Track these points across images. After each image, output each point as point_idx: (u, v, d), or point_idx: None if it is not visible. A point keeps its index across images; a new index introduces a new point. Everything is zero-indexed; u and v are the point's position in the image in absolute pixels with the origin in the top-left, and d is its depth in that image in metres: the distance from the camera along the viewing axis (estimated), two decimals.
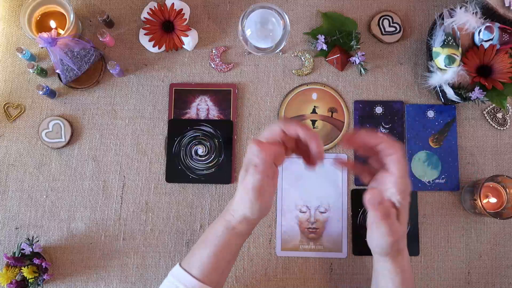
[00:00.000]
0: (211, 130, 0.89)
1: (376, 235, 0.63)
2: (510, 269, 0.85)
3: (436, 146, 0.89)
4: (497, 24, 0.82)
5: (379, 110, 0.90)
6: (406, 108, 0.90)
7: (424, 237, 0.86)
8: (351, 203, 0.87)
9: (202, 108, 0.90)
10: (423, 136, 0.89)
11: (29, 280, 0.79)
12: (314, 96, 0.91)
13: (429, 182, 0.87)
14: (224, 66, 0.92)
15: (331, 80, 0.91)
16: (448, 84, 0.82)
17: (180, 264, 0.67)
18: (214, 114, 0.90)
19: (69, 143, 0.89)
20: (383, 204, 0.61)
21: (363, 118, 0.90)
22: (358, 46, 0.90)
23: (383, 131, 0.89)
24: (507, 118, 0.89)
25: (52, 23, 0.89)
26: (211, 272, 0.64)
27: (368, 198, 0.61)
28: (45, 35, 0.82)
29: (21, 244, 0.81)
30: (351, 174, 0.88)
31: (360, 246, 0.86)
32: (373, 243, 0.65)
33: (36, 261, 0.79)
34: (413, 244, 0.85)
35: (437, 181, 0.87)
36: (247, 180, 0.60)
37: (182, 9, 0.90)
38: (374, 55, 0.92)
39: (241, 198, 0.62)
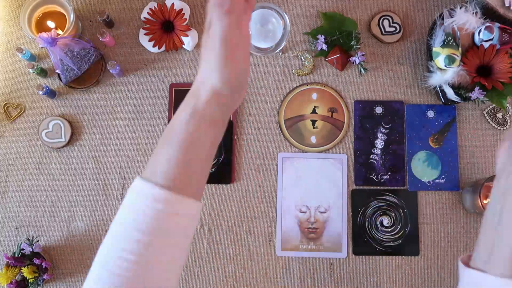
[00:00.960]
0: None
1: None
2: None
3: (436, 146, 0.89)
4: (497, 24, 0.82)
5: (379, 110, 0.90)
6: (406, 108, 0.90)
7: (424, 237, 0.86)
8: (351, 203, 0.87)
9: None
10: (423, 136, 0.89)
11: (29, 280, 0.78)
12: (314, 96, 0.91)
13: (429, 182, 0.87)
14: None
15: (331, 80, 0.91)
16: (448, 84, 0.82)
17: (140, 176, 0.51)
18: None
19: (69, 143, 0.89)
20: None
21: (363, 118, 0.90)
22: (358, 46, 0.90)
23: (383, 131, 0.89)
24: (507, 118, 0.89)
25: (51, 23, 0.89)
26: (182, 177, 0.49)
27: None
28: (45, 35, 0.82)
29: (21, 244, 0.81)
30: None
31: (360, 246, 0.86)
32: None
33: (36, 261, 0.79)
34: (413, 244, 0.85)
35: (437, 181, 0.87)
36: (212, 30, 0.48)
37: (182, 9, 0.90)
38: (374, 55, 0.92)
39: (206, 62, 0.50)
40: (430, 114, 0.90)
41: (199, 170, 0.51)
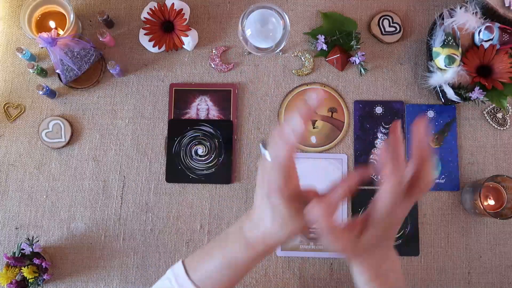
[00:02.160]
0: (211, 130, 0.89)
1: None
2: (510, 269, 0.85)
3: (436, 146, 0.89)
4: (497, 24, 0.82)
5: (379, 110, 0.90)
6: (406, 108, 0.90)
7: (424, 237, 0.86)
8: (351, 203, 0.87)
9: (202, 108, 0.90)
10: None
11: (29, 280, 0.79)
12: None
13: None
14: (224, 66, 0.92)
15: (331, 80, 0.91)
16: (448, 84, 0.82)
17: (183, 262, 0.60)
18: (214, 114, 0.90)
19: (69, 143, 0.89)
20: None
21: (363, 118, 0.90)
22: (358, 46, 0.90)
23: (383, 131, 0.89)
24: (507, 118, 0.89)
25: (52, 23, 0.89)
26: (213, 285, 0.58)
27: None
28: (45, 35, 0.82)
29: (21, 244, 0.81)
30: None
31: None
32: None
33: (36, 261, 0.79)
34: (413, 244, 0.85)
35: (437, 181, 0.87)
36: (269, 175, 0.51)
37: (182, 9, 0.90)
38: (374, 55, 0.92)
39: (261, 207, 0.54)
40: (430, 114, 0.90)
41: (228, 283, 0.58)
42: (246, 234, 0.56)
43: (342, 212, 0.86)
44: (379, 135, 0.89)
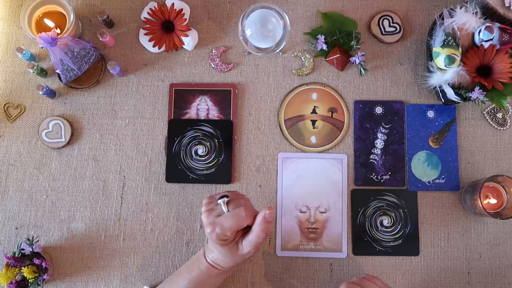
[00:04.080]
0: (211, 130, 0.89)
1: None
2: (510, 269, 0.85)
3: (436, 146, 0.89)
4: (497, 24, 0.82)
5: (379, 110, 0.90)
6: (406, 108, 0.90)
7: (424, 237, 0.86)
8: (351, 203, 0.87)
9: (202, 108, 0.90)
10: (423, 136, 0.89)
11: (29, 280, 0.79)
12: (314, 96, 0.91)
13: (429, 182, 0.87)
14: (224, 66, 0.92)
15: (331, 80, 0.91)
16: (448, 84, 0.82)
17: None
18: (214, 114, 0.90)
19: (69, 143, 0.89)
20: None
21: (363, 118, 0.90)
22: (358, 46, 0.90)
23: (383, 131, 0.89)
24: (507, 118, 0.89)
25: (50, 23, 0.88)
26: None
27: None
28: (45, 35, 0.82)
29: (21, 244, 0.81)
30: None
31: (360, 246, 0.86)
32: None
33: (36, 261, 0.79)
34: (413, 244, 0.85)
35: (437, 181, 0.87)
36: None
37: (182, 9, 0.90)
38: (374, 55, 0.92)
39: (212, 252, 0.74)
40: (430, 114, 0.90)
41: None
42: (205, 257, 0.73)
43: (342, 212, 0.86)
44: (379, 135, 0.89)
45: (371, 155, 0.88)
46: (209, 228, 0.68)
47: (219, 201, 0.69)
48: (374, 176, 0.88)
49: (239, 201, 0.70)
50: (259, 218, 0.68)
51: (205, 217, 0.69)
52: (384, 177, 0.88)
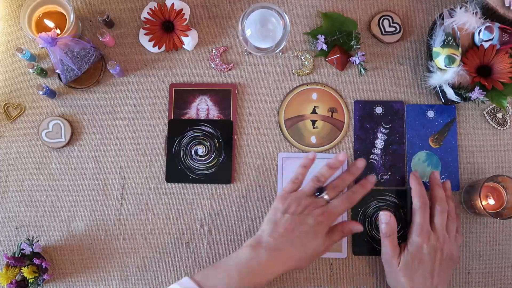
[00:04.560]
0: (211, 130, 0.89)
1: None
2: (510, 269, 0.85)
3: (436, 146, 0.89)
4: (497, 24, 0.82)
5: (379, 110, 0.90)
6: (406, 108, 0.90)
7: None
8: None
9: (202, 108, 0.90)
10: (423, 136, 0.89)
11: (29, 280, 0.79)
12: (314, 96, 0.91)
13: (429, 182, 0.87)
14: (224, 66, 0.92)
15: (331, 80, 0.91)
16: (448, 84, 0.82)
17: (191, 278, 0.68)
18: (214, 114, 0.90)
19: (69, 143, 0.89)
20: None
21: (363, 118, 0.90)
22: (358, 46, 0.90)
23: (383, 131, 0.89)
24: (507, 118, 0.89)
25: (50, 23, 0.88)
26: None
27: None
28: (45, 35, 0.82)
29: (21, 244, 0.81)
30: None
31: (360, 246, 0.86)
32: None
33: (36, 261, 0.79)
34: None
35: None
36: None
37: (182, 9, 0.90)
38: (374, 55, 0.92)
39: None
40: (430, 114, 0.90)
41: None
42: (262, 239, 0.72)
43: None
44: (379, 135, 0.89)
45: (371, 155, 0.89)
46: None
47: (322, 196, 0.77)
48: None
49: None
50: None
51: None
52: (384, 177, 0.88)
